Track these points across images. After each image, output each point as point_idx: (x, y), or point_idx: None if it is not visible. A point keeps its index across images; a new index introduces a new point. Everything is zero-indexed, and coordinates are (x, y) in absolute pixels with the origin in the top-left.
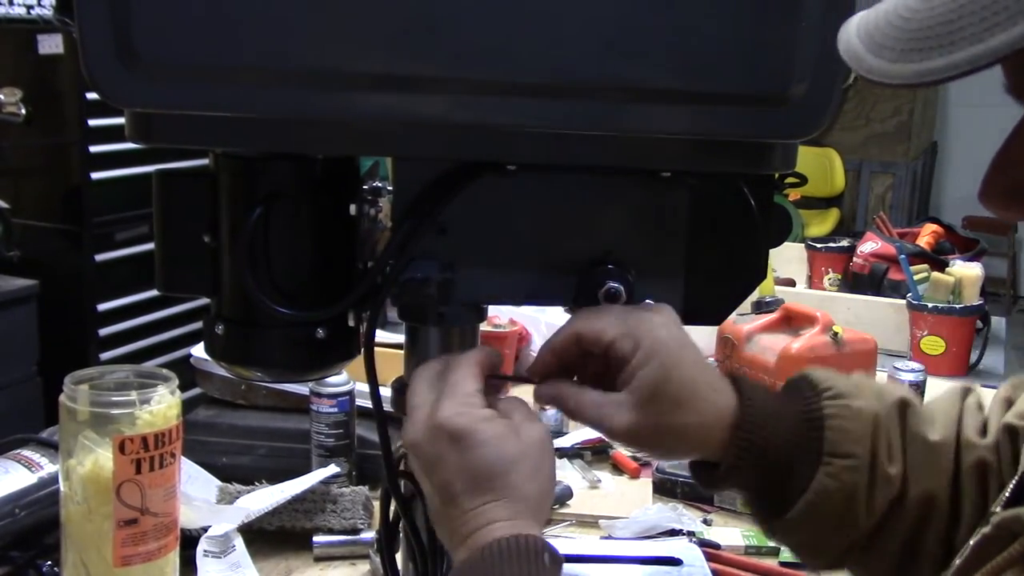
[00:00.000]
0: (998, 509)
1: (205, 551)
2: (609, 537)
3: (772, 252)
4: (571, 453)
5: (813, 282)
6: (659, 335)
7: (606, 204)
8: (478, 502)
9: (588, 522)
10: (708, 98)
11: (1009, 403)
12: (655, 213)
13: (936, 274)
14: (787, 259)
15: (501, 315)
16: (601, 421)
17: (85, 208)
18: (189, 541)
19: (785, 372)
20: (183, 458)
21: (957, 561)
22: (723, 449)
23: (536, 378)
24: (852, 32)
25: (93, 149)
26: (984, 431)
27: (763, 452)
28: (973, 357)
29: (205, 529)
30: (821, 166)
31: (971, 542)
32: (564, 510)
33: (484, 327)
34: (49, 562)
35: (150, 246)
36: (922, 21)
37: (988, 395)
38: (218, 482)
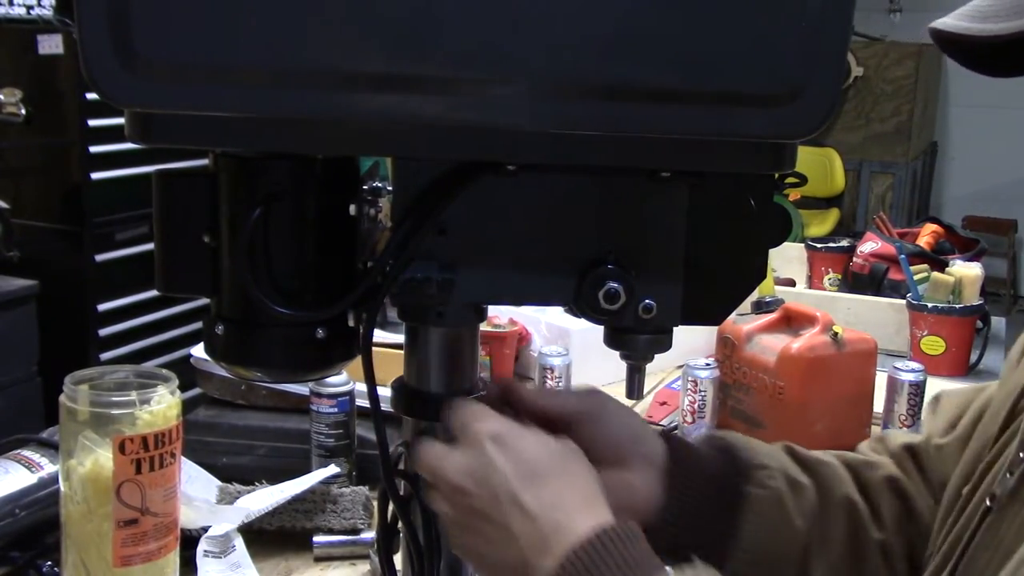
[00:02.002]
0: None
1: (205, 551)
2: None
3: (772, 252)
4: None
5: (813, 282)
6: None
7: (606, 204)
8: (544, 493)
9: None
10: (707, 97)
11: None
12: (655, 213)
13: (936, 274)
14: (787, 259)
15: (501, 315)
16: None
17: (85, 208)
18: (189, 541)
19: (785, 372)
20: (183, 458)
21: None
22: (659, 478)
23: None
24: (946, 20)
25: (93, 149)
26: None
27: (696, 472)
28: (973, 357)
29: (205, 529)
30: (821, 166)
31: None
32: None
33: (484, 327)
34: (49, 562)
35: (150, 246)
36: None
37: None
38: (218, 482)
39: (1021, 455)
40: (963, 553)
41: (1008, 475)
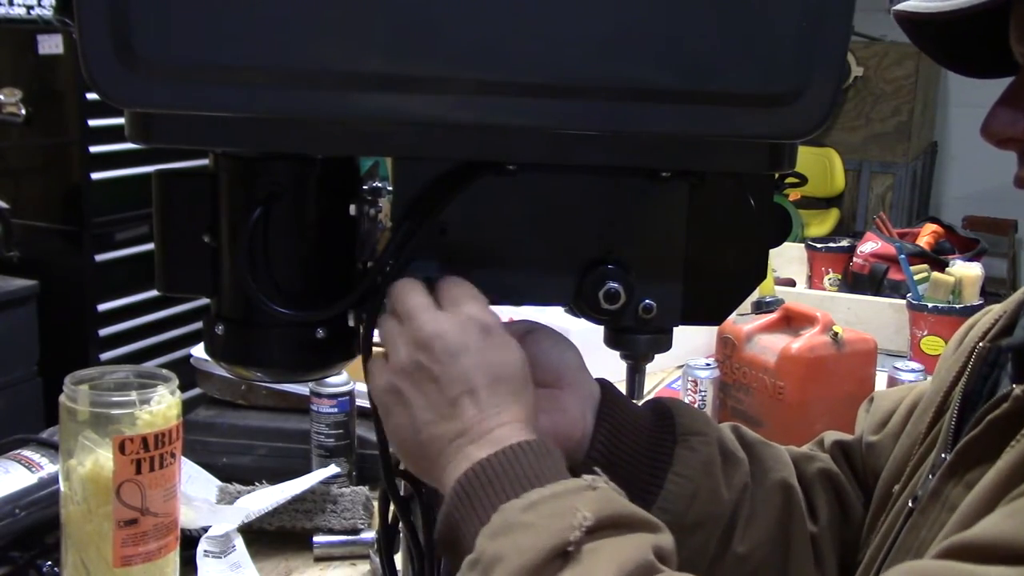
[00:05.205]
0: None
1: (205, 551)
2: None
3: (772, 252)
4: None
5: (813, 282)
6: None
7: (606, 204)
8: (498, 399)
9: None
10: (707, 97)
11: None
12: (655, 213)
13: (936, 274)
14: (787, 259)
15: (501, 315)
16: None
17: (85, 208)
18: (189, 541)
19: (785, 372)
20: (183, 458)
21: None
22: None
23: None
24: (910, 1)
25: (93, 149)
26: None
27: (628, 426)
28: None
29: (205, 529)
30: (821, 166)
31: (966, 437)
32: None
33: None
34: (49, 562)
35: (150, 246)
36: None
37: None
38: (218, 482)
39: (943, 456)
40: (887, 555)
41: (930, 476)
